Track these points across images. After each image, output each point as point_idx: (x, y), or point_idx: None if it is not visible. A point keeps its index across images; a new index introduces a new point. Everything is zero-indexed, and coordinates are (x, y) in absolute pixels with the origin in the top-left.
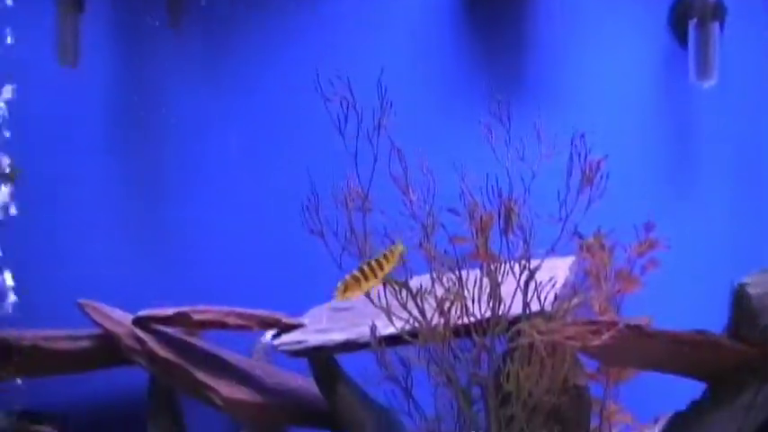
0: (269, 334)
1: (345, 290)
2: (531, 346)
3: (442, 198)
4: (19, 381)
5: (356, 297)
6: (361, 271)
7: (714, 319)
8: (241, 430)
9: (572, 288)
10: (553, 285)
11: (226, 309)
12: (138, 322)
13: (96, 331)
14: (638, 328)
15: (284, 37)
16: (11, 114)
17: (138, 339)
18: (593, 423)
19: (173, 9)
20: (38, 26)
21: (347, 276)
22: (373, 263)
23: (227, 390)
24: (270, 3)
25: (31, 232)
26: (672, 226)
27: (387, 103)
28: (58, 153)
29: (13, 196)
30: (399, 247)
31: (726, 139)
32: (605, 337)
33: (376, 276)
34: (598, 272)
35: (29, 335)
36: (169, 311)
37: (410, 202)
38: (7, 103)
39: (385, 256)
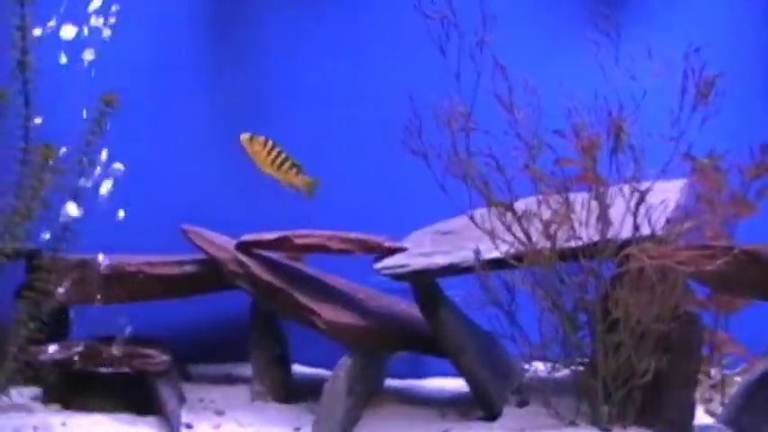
0: None
1: (250, 140)
2: (641, 271)
3: (548, 118)
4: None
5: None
6: (276, 159)
7: None
8: (345, 354)
9: (684, 212)
10: (664, 208)
11: (328, 233)
12: (241, 247)
13: (200, 256)
14: (754, 254)
15: None
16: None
17: (241, 264)
18: (704, 352)
19: None
20: None
21: (258, 139)
22: (285, 162)
23: (330, 313)
24: None
25: (133, 159)
26: None
27: (489, 19)
28: (157, 76)
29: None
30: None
31: None
32: (719, 262)
33: (271, 164)
34: (711, 195)
35: (134, 260)
36: (271, 236)
37: (515, 121)
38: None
39: (290, 164)
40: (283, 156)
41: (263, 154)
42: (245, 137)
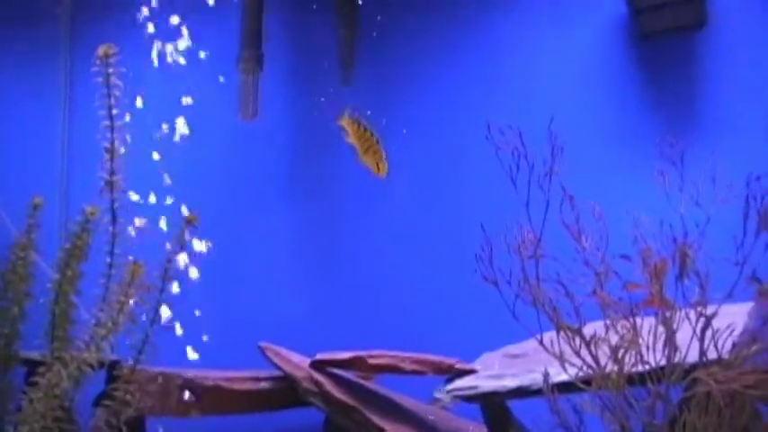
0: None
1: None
2: (709, 394)
3: (615, 244)
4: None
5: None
6: (359, 129)
7: None
8: None
9: (751, 335)
10: (731, 332)
11: (401, 354)
12: (316, 365)
13: (276, 373)
14: None
15: (453, 85)
16: (199, 167)
17: (316, 382)
18: None
19: (345, 65)
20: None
21: (350, 118)
22: (368, 140)
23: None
24: (441, 54)
25: (217, 276)
26: None
27: (557, 149)
28: (243, 200)
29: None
30: (380, 161)
31: None
32: None
33: (358, 141)
34: None
35: (212, 375)
36: (346, 355)
37: (583, 248)
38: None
39: (375, 150)
40: (370, 136)
41: (353, 131)
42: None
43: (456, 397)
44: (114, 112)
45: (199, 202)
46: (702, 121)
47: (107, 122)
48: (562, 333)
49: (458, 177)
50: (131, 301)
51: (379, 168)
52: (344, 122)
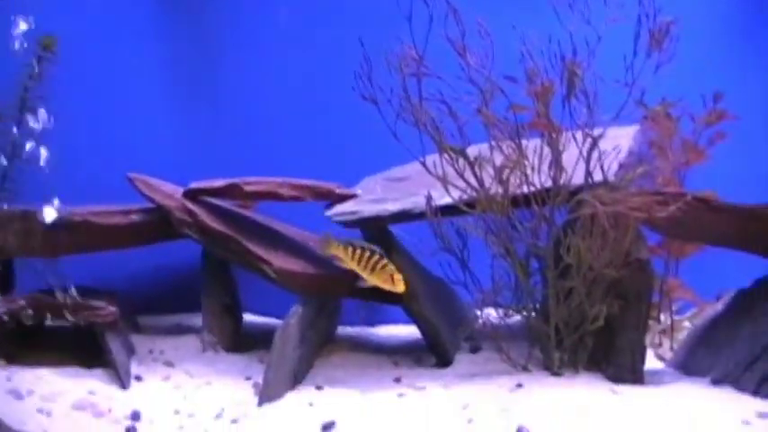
0: None
1: (326, 246)
2: (593, 217)
3: (502, 63)
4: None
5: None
6: (355, 252)
7: None
8: (296, 302)
9: (636, 158)
10: (617, 155)
11: (278, 179)
12: (189, 194)
13: (147, 205)
14: (705, 200)
15: None
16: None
17: (190, 212)
18: (654, 298)
19: None
20: None
21: (337, 242)
22: (369, 258)
23: (280, 261)
24: None
25: (81, 109)
26: (742, 95)
27: None
28: (105, 30)
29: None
30: (392, 273)
31: None
32: (671, 209)
33: (359, 265)
34: (663, 142)
35: (80, 210)
36: (220, 183)
37: (467, 66)
38: None
39: (382, 265)
40: (369, 255)
41: (348, 258)
42: (322, 241)
43: (338, 222)
44: None
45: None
46: None
47: None
48: (445, 154)
49: None
50: None
51: (393, 282)
52: (334, 250)
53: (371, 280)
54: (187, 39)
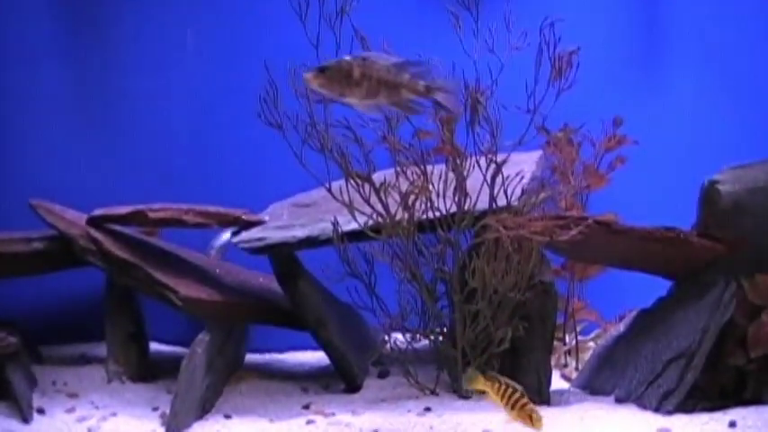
0: (227, 233)
1: (472, 382)
2: (498, 241)
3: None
4: None
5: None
6: (500, 388)
7: (683, 217)
8: (204, 329)
9: (539, 183)
10: (520, 180)
11: (183, 206)
12: (93, 222)
13: (50, 232)
14: (606, 223)
15: None
16: None
17: (93, 239)
18: (559, 320)
19: None
20: None
21: (483, 378)
22: (512, 395)
23: (186, 289)
24: None
25: None
26: (641, 121)
27: None
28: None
29: None
30: (532, 413)
31: (694, 28)
32: (573, 232)
33: (502, 400)
34: (565, 167)
35: None
36: (124, 210)
37: None
38: None
39: (523, 404)
40: (512, 391)
41: (494, 393)
42: (468, 378)
43: (244, 249)
44: None
45: None
46: None
47: None
48: (351, 180)
49: (242, 18)
50: None
51: (533, 421)
52: (481, 386)
53: (512, 416)
54: (90, 60)
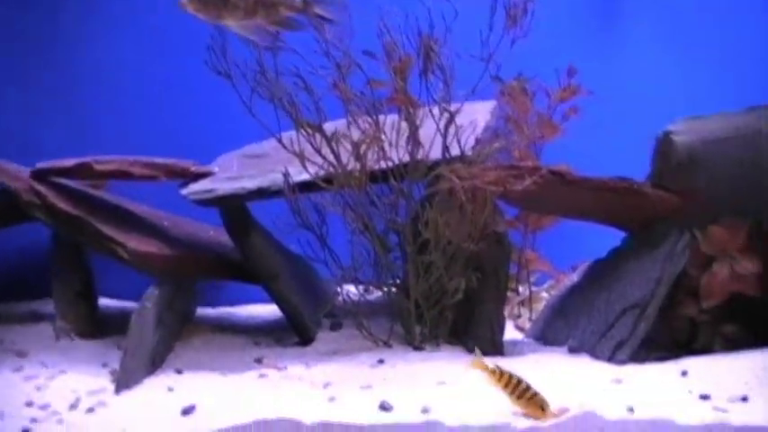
0: None
1: (477, 366)
2: (451, 191)
3: (359, 37)
4: None
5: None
6: (502, 377)
7: (639, 169)
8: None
9: (493, 133)
10: (473, 129)
11: (130, 158)
12: (37, 175)
13: None
14: (560, 174)
15: None
16: None
17: (38, 193)
18: (512, 270)
19: None
20: None
21: (492, 366)
22: (524, 390)
23: (135, 242)
24: None
25: None
26: (598, 72)
27: None
28: None
29: None
30: (542, 403)
31: None
32: (527, 182)
33: (513, 393)
34: (519, 117)
35: None
36: (70, 162)
37: (324, 40)
38: None
39: (531, 394)
40: (517, 382)
41: (495, 381)
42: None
43: (193, 201)
44: None
45: None
46: None
47: None
48: (302, 130)
49: None
50: None
51: (543, 411)
52: (483, 370)
53: (519, 406)
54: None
